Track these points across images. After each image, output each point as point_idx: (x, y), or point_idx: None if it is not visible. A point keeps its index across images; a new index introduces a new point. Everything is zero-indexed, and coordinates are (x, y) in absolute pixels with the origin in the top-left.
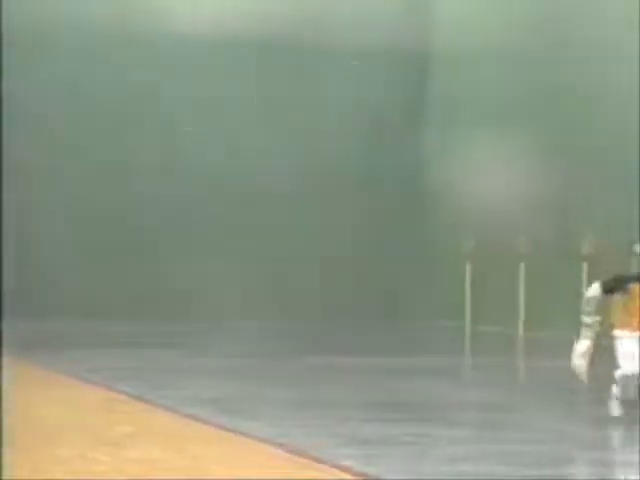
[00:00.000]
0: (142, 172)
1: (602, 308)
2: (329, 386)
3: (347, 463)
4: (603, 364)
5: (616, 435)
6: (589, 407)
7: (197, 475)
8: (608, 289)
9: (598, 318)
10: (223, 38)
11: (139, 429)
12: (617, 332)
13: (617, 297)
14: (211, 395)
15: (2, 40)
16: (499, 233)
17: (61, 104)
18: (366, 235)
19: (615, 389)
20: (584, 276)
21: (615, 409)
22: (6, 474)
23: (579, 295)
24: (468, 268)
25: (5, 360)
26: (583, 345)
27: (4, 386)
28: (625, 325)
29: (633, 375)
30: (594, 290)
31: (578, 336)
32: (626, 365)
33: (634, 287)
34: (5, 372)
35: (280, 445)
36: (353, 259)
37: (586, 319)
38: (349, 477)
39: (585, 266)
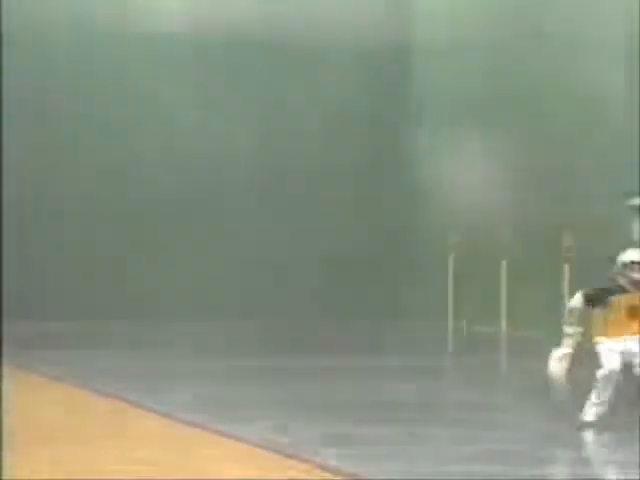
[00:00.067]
0: (143, 172)
1: (584, 319)
2: (318, 386)
3: (337, 463)
4: (586, 369)
5: (601, 436)
6: (574, 407)
7: (189, 475)
8: (589, 300)
9: (580, 329)
10: (211, 38)
11: (129, 431)
12: (598, 338)
13: (598, 311)
14: (200, 397)
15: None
16: (482, 232)
17: (61, 103)
18: (354, 235)
19: (593, 393)
20: (566, 275)
21: (589, 414)
22: (6, 474)
23: (561, 295)
24: (451, 267)
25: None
26: (560, 351)
27: (3, 387)
28: (605, 334)
29: (614, 371)
30: (576, 300)
31: (558, 344)
32: (609, 362)
33: (614, 300)
34: (5, 372)
35: (269, 446)
36: (341, 259)
37: (567, 329)
38: (339, 478)
39: (567, 265)
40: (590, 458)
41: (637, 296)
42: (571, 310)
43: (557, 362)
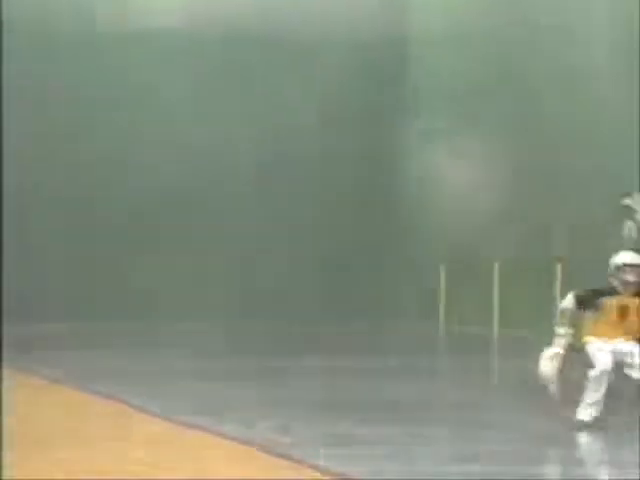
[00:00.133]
0: (142, 172)
1: (575, 320)
2: (307, 387)
3: (327, 463)
4: (577, 370)
5: (592, 436)
6: (565, 407)
7: (189, 475)
8: (580, 302)
9: (571, 330)
10: (207, 33)
11: (129, 433)
12: (588, 338)
13: (589, 314)
14: (188, 396)
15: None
16: (473, 234)
17: (60, 98)
18: (340, 236)
19: (586, 394)
20: (558, 277)
21: (584, 414)
22: (6, 474)
23: (553, 297)
24: (443, 270)
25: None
26: (551, 351)
27: (3, 388)
28: (595, 334)
29: (606, 371)
30: (568, 302)
31: (550, 344)
32: (600, 361)
33: (606, 302)
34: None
35: (259, 446)
36: (328, 260)
37: (559, 330)
38: (329, 478)
39: (559, 267)
40: (589, 458)
41: (629, 298)
42: (562, 311)
43: (548, 362)
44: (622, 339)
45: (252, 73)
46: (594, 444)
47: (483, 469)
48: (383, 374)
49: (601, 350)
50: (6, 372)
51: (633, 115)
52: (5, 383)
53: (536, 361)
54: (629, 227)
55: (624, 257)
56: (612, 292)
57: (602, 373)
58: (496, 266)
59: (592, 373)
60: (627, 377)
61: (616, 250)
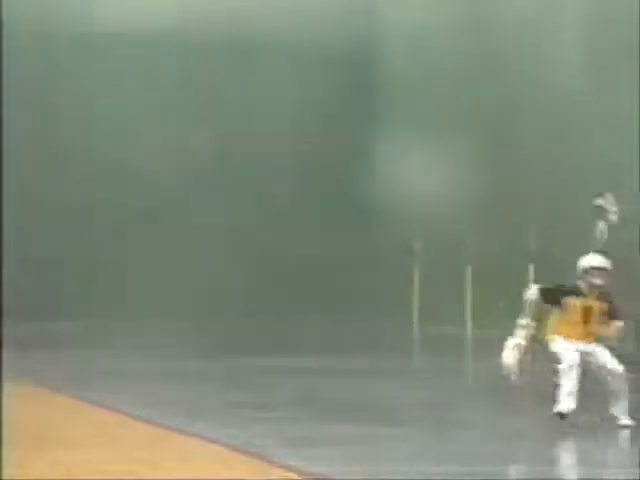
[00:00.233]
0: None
1: (539, 313)
2: (276, 387)
3: (297, 463)
4: (541, 364)
5: (565, 432)
6: (536, 405)
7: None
8: (545, 295)
9: (533, 323)
10: (172, 38)
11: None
12: (553, 336)
13: (554, 311)
14: (156, 397)
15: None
16: (447, 234)
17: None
18: (312, 237)
19: (559, 388)
20: (531, 277)
21: (560, 406)
22: (6, 474)
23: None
24: (416, 269)
25: None
26: (512, 341)
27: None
28: (560, 333)
29: (574, 365)
30: (531, 293)
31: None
32: (567, 358)
33: (570, 302)
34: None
35: (230, 447)
36: (300, 260)
37: (521, 321)
38: (298, 477)
39: (532, 267)
40: (561, 457)
41: (593, 300)
42: (526, 302)
43: (510, 351)
44: (584, 342)
45: (221, 78)
46: (566, 442)
47: (456, 469)
48: (355, 374)
49: (567, 348)
50: (5, 373)
51: (609, 110)
52: (5, 383)
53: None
54: (601, 228)
55: (592, 260)
56: (577, 292)
57: (570, 367)
58: (469, 266)
59: (561, 367)
60: (601, 377)
61: (589, 251)
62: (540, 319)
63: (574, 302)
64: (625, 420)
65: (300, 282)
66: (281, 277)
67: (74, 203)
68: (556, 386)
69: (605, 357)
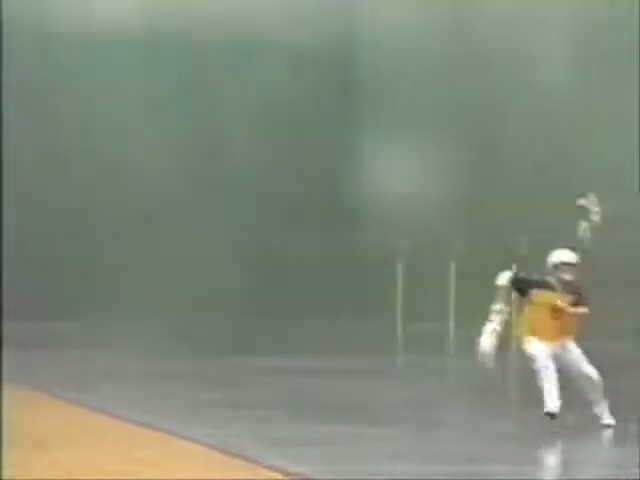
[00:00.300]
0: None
1: (510, 299)
2: (259, 387)
3: (280, 463)
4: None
5: (547, 433)
6: (520, 405)
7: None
8: (516, 283)
9: (507, 308)
10: (146, 36)
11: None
12: (526, 338)
13: (527, 308)
14: (137, 396)
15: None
16: (431, 233)
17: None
18: (295, 236)
19: (542, 388)
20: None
21: (548, 405)
22: (6, 474)
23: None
24: (400, 269)
25: None
26: (490, 327)
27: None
28: (532, 334)
29: (548, 363)
30: (503, 279)
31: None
32: (541, 357)
33: (539, 294)
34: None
35: (211, 446)
36: (283, 260)
37: (494, 306)
38: (281, 477)
39: (515, 266)
40: (543, 456)
41: (564, 296)
42: (497, 288)
43: (488, 337)
44: (559, 340)
45: (191, 77)
46: (549, 442)
47: (440, 469)
48: (340, 374)
49: (541, 350)
50: (5, 373)
51: (593, 109)
52: (5, 384)
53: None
54: (583, 228)
55: (562, 255)
56: (548, 286)
57: (545, 367)
58: (452, 265)
59: (536, 367)
60: (577, 376)
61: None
62: (514, 312)
63: (544, 296)
64: (608, 420)
65: (288, 283)
66: (275, 277)
67: (74, 203)
68: (540, 387)
69: (579, 363)
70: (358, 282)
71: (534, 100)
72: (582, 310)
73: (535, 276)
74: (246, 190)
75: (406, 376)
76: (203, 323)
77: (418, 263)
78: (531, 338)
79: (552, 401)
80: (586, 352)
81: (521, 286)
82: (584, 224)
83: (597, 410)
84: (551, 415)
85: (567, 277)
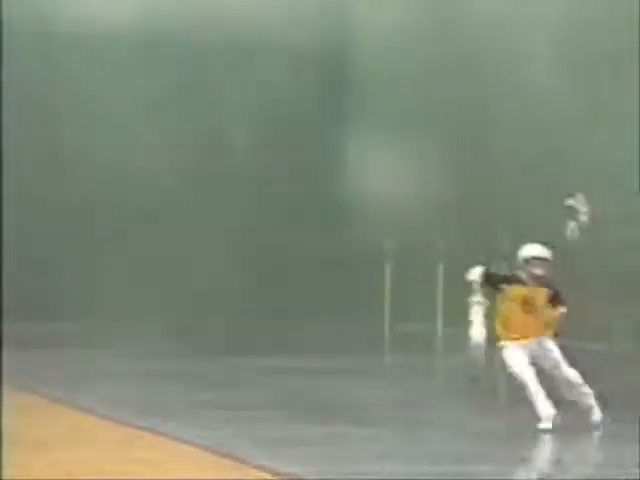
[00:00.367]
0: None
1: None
2: (249, 387)
3: (270, 463)
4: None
5: (533, 432)
6: (507, 404)
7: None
8: (485, 278)
9: (484, 299)
10: (146, 36)
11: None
12: (503, 343)
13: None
14: (133, 397)
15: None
16: (418, 232)
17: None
18: (295, 236)
19: (531, 400)
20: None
21: (540, 410)
22: (6, 474)
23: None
24: (388, 268)
25: None
26: (479, 318)
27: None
28: (509, 336)
29: (525, 368)
30: (474, 275)
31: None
32: (516, 362)
33: (510, 290)
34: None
35: (203, 446)
36: (283, 260)
37: (472, 298)
38: (270, 477)
39: (505, 266)
40: (532, 456)
41: (535, 289)
42: (470, 282)
43: (478, 328)
44: (535, 338)
45: (191, 77)
46: (537, 442)
47: (428, 469)
48: (327, 374)
49: (518, 360)
50: (5, 374)
51: (585, 109)
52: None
53: (479, 358)
54: (571, 228)
55: (532, 250)
56: (518, 281)
57: (522, 372)
58: (440, 265)
59: (514, 374)
60: (556, 379)
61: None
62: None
63: (515, 291)
64: (596, 416)
65: (288, 283)
66: (275, 277)
67: (74, 203)
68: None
69: (557, 367)
70: (345, 281)
71: (524, 100)
72: (562, 310)
73: (505, 271)
74: (246, 190)
75: (394, 376)
76: (203, 323)
77: (405, 262)
78: (507, 343)
79: (541, 406)
80: (587, 352)
81: (491, 281)
82: (572, 224)
83: (585, 408)
84: (549, 416)
85: (538, 271)
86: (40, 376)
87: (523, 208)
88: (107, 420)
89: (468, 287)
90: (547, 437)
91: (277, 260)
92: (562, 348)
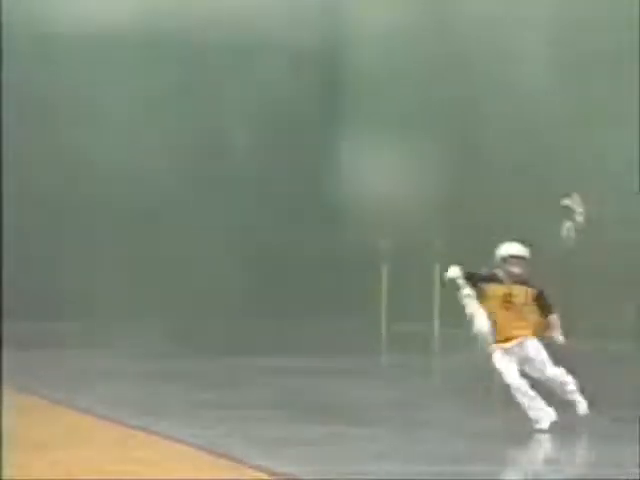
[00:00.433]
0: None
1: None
2: (249, 387)
3: (267, 463)
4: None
5: (531, 432)
6: (504, 404)
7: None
8: (467, 276)
9: (473, 291)
10: (146, 36)
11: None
12: (491, 347)
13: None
14: (133, 397)
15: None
16: (415, 233)
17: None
18: (295, 236)
19: (524, 406)
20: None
21: (539, 419)
22: (6, 474)
23: None
24: (384, 268)
25: None
26: (481, 312)
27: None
28: (496, 339)
29: (517, 380)
30: (452, 272)
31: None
32: (506, 373)
33: (488, 288)
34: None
35: (199, 446)
36: (283, 260)
37: (461, 292)
38: (268, 477)
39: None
40: (526, 456)
41: (514, 286)
42: (451, 280)
43: (482, 320)
44: (519, 338)
45: (191, 77)
46: (534, 442)
47: (425, 469)
48: (324, 374)
49: (506, 367)
50: (5, 374)
51: (571, 109)
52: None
53: (476, 359)
54: (567, 228)
55: (510, 248)
56: (495, 280)
57: (513, 383)
58: (437, 265)
59: (508, 384)
60: (544, 380)
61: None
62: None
63: (493, 289)
64: (582, 408)
65: (288, 283)
66: (275, 277)
67: (74, 203)
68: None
69: (543, 369)
70: (342, 282)
71: (515, 100)
72: (554, 321)
73: (482, 271)
74: (246, 190)
75: (390, 376)
76: (203, 323)
77: (402, 262)
78: (494, 347)
79: (540, 412)
80: (585, 352)
81: (470, 281)
82: (568, 224)
83: (578, 407)
84: (553, 423)
85: (515, 270)
86: (40, 376)
87: (515, 208)
88: (107, 420)
89: (452, 284)
90: (544, 437)
91: (277, 260)
92: (556, 349)
